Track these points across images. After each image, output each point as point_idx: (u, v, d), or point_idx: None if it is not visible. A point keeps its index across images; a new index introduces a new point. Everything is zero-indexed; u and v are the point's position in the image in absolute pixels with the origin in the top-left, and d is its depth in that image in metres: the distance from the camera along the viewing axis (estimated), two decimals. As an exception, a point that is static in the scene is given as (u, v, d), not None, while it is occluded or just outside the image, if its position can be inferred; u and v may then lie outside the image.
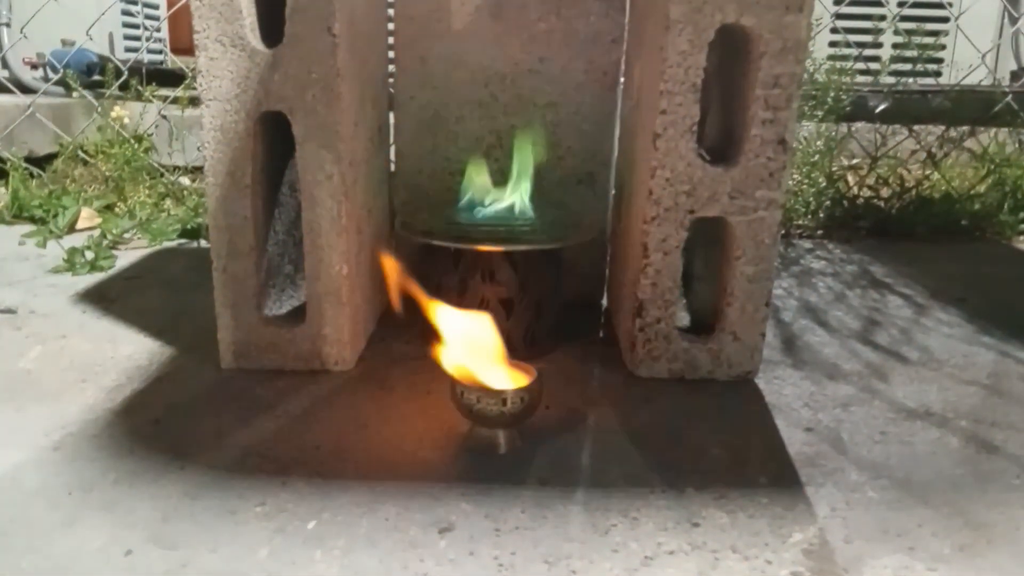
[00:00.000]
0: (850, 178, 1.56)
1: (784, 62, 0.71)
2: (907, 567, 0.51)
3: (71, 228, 1.40)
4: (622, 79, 0.98)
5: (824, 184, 1.50)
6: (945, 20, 2.26)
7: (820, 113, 1.50)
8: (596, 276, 1.03)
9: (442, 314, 0.66)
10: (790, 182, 1.20)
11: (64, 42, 2.21)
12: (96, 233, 1.30)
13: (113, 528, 0.53)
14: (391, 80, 1.00)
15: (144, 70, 1.97)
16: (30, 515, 0.55)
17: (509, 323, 0.83)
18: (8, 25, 2.11)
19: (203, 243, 1.32)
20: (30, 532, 0.53)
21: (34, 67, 2.22)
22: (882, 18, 1.92)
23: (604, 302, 1.04)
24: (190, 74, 1.69)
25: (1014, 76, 2.33)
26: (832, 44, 2.03)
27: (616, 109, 0.98)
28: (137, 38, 2.66)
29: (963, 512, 0.58)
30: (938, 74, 2.32)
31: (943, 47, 2.22)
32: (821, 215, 1.50)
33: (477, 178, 0.87)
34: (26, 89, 1.94)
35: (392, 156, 1.02)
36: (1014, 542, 0.54)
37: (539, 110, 0.98)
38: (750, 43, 0.72)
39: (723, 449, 0.67)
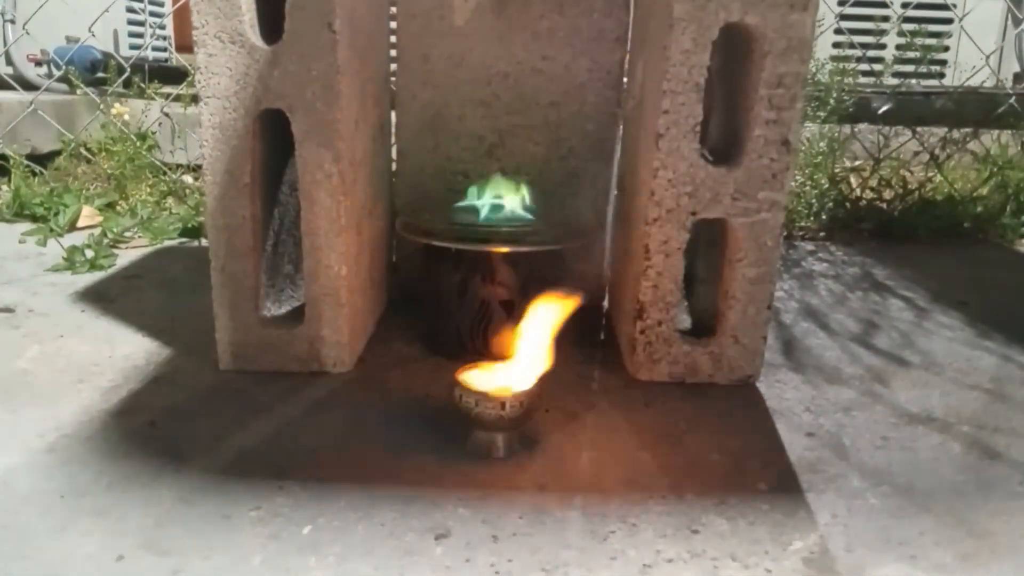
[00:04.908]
0: (852, 180, 1.55)
1: (788, 61, 0.70)
2: (909, 576, 0.51)
3: (72, 226, 1.39)
4: (625, 78, 0.97)
5: (826, 186, 1.49)
6: (949, 22, 2.26)
7: (823, 114, 1.49)
8: (597, 277, 1.03)
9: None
10: (792, 184, 1.20)
11: (68, 39, 2.20)
12: (97, 232, 1.30)
13: (105, 534, 0.53)
14: (393, 78, 0.99)
15: (147, 67, 1.97)
16: (21, 520, 0.54)
17: (509, 324, 0.82)
18: (12, 21, 2.11)
19: (204, 242, 1.31)
20: (21, 538, 0.52)
21: (38, 64, 2.21)
22: (885, 19, 1.91)
23: (605, 304, 1.03)
24: (193, 72, 1.68)
25: (1017, 78, 2.32)
26: (835, 45, 2.02)
27: (619, 109, 0.97)
28: (141, 35, 2.65)
29: (965, 520, 0.57)
30: (941, 75, 2.31)
31: (946, 48, 2.22)
32: (823, 217, 1.49)
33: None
34: (30, 86, 1.93)
35: (393, 155, 1.02)
36: (1017, 552, 0.54)
37: (541, 109, 0.97)
38: (754, 42, 0.71)
39: (723, 454, 0.66)
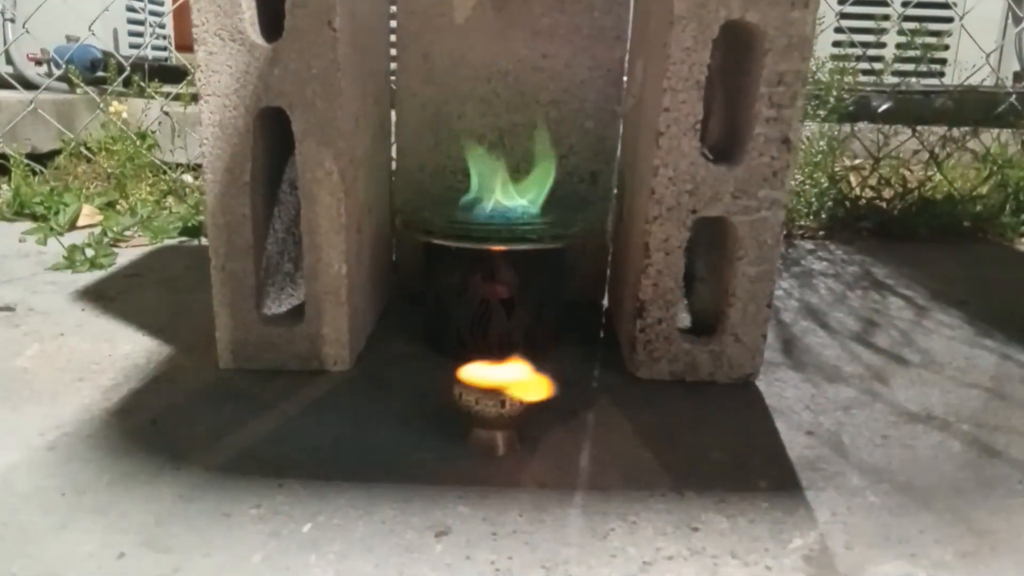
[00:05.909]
0: (852, 179, 1.55)
1: (789, 59, 0.70)
2: (909, 574, 0.51)
3: (72, 225, 1.39)
4: (625, 76, 0.97)
5: (826, 184, 1.49)
6: (949, 20, 2.26)
7: (823, 113, 1.49)
8: (597, 276, 1.03)
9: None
10: (792, 182, 1.20)
11: (68, 38, 2.20)
12: (97, 230, 1.30)
13: (106, 531, 0.53)
14: (393, 76, 0.99)
15: (147, 66, 1.97)
16: (22, 518, 0.54)
17: (509, 323, 0.82)
18: (12, 20, 2.11)
19: (204, 241, 1.31)
20: (21, 536, 0.52)
21: (38, 63, 2.21)
22: (886, 18, 1.91)
23: (605, 302, 1.03)
24: (193, 70, 1.68)
25: (1017, 77, 2.32)
26: (836, 44, 2.02)
27: (619, 106, 0.97)
28: (141, 34, 2.65)
29: (965, 518, 0.57)
30: (941, 74, 2.31)
31: (946, 47, 2.22)
32: (823, 216, 1.49)
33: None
34: (30, 85, 1.93)
35: (393, 153, 1.02)
36: (1017, 549, 0.54)
37: (542, 107, 0.97)
38: (755, 39, 0.71)
39: (723, 452, 0.66)
